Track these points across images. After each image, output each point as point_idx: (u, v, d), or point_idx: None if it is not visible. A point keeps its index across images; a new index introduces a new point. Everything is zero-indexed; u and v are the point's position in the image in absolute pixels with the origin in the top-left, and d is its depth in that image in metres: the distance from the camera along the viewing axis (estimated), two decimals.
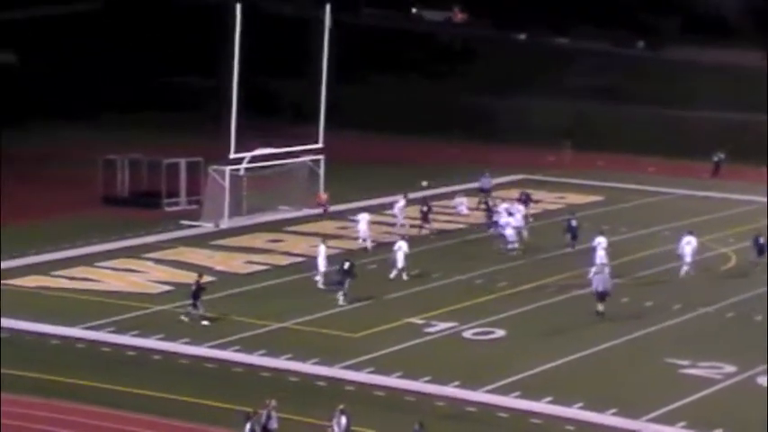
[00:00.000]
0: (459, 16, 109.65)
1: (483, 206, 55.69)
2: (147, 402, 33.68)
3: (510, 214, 50.97)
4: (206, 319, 40.06)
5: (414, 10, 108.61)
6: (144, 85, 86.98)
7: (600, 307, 41.51)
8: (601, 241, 46.59)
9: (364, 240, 50.42)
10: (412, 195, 56.56)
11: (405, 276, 45.23)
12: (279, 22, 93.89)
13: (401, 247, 45.50)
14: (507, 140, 75.17)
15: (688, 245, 46.95)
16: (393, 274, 45.20)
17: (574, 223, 50.79)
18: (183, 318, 40.12)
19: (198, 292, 40.25)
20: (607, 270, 43.68)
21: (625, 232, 54.42)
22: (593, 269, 43.51)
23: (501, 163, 69.78)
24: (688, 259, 46.81)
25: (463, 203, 56.79)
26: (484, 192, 59.27)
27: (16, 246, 48.29)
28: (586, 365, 37.59)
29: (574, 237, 50.41)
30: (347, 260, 42.96)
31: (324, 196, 56.45)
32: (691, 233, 47.64)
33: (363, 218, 51.16)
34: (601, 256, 45.91)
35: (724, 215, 58.49)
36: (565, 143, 71.53)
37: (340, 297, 42.23)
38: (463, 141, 75.65)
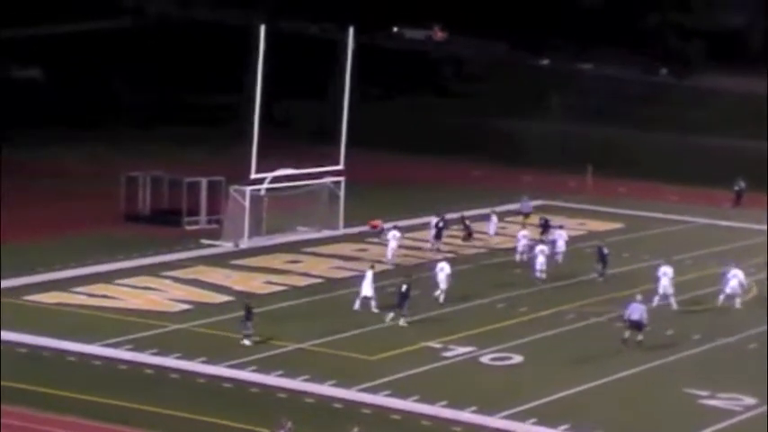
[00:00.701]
0: (439, 35, 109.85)
1: (463, 226, 55.61)
2: (164, 421, 33.58)
3: (542, 242, 50.87)
4: (249, 338, 39.72)
5: (395, 29, 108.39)
6: (168, 102, 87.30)
7: (626, 334, 41.19)
8: (667, 271, 46.41)
9: (390, 258, 50.85)
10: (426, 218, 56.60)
11: (441, 299, 45.08)
12: (303, 44, 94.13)
13: (443, 269, 45.46)
14: (529, 165, 75.12)
15: (734, 278, 46.64)
16: (437, 294, 45.00)
17: (605, 251, 50.58)
18: (246, 342, 39.61)
19: (249, 313, 39.81)
20: (670, 297, 43.87)
21: (646, 260, 54.13)
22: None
23: (522, 187, 69.65)
24: (737, 291, 46.43)
25: (494, 223, 56.70)
26: (523, 215, 59.28)
27: (37, 262, 48.33)
28: (605, 393, 37.38)
29: (604, 264, 50.11)
30: (405, 282, 43.03)
31: (377, 222, 56.27)
32: (736, 266, 47.28)
33: (393, 235, 51.46)
34: (665, 285, 45.96)
35: (745, 245, 58.17)
36: (586, 169, 71.37)
37: (401, 320, 42.32)
38: (485, 165, 75.59)
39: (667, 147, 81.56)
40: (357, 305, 43.78)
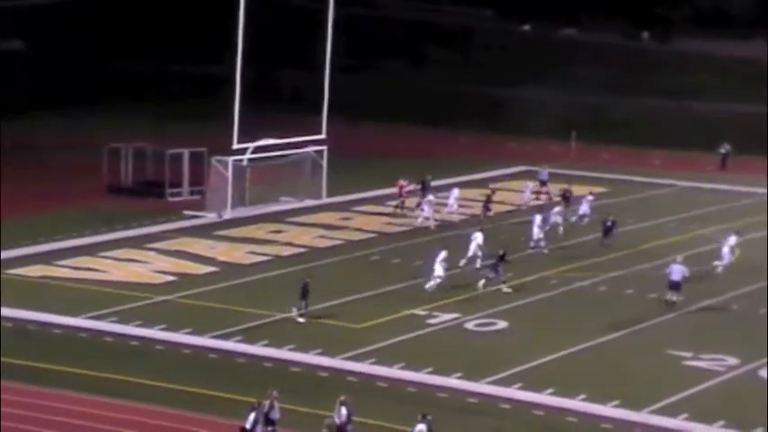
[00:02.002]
0: None
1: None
2: (150, 392, 33.86)
3: (540, 211, 51.11)
4: (302, 315, 39.82)
5: None
6: (150, 72, 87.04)
7: (669, 296, 41.59)
8: (731, 240, 46.79)
9: (427, 219, 52.14)
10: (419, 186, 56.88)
11: (478, 264, 45.07)
12: (285, 11, 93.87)
13: (476, 238, 45.73)
14: (512, 132, 75.23)
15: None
16: (462, 263, 45.02)
17: (609, 223, 50.60)
18: (300, 319, 39.65)
19: (305, 291, 39.76)
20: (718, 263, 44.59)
21: (630, 224, 54.40)
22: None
23: (506, 154, 69.79)
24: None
25: (528, 188, 57.83)
26: (542, 183, 60.19)
27: (20, 235, 48.46)
28: (589, 357, 37.73)
29: (606, 234, 50.21)
30: (503, 250, 43.77)
31: (404, 183, 55.80)
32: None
33: (453, 193, 53.71)
34: (725, 252, 46.27)
35: (729, 207, 58.56)
36: (570, 135, 71.41)
37: (503, 287, 42.99)
38: (468, 132, 75.61)
39: (652, 112, 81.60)
40: (432, 283, 42.74)
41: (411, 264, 46.61)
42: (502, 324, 40.29)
